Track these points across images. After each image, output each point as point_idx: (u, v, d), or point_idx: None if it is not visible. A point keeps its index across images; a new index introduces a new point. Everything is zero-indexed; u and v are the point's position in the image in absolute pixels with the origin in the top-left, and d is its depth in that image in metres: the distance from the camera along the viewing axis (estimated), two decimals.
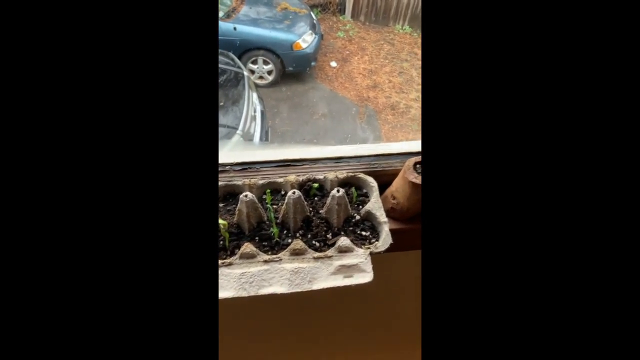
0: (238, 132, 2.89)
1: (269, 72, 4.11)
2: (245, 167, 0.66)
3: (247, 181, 0.63)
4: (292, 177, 0.64)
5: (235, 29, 3.98)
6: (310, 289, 0.53)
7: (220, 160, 0.67)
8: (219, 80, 3.26)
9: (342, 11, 5.22)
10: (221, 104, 3.14)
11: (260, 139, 3.14)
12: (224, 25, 3.98)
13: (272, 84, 4.16)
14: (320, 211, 0.62)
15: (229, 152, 0.67)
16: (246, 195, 0.56)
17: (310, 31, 4.21)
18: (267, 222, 0.60)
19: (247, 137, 2.96)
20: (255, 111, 3.19)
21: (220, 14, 4.12)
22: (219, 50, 3.54)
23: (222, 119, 3.05)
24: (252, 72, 4.05)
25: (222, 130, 2.94)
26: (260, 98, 3.40)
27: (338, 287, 0.80)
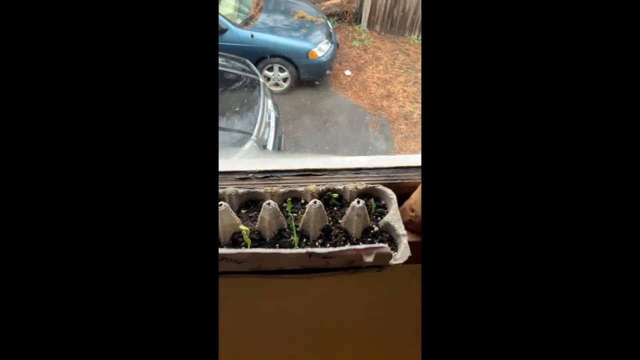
0: (252, 137, 2.93)
1: (284, 80, 4.17)
2: (267, 175, 0.68)
3: (268, 189, 0.65)
4: (312, 187, 0.66)
5: (252, 36, 4.05)
6: (326, 265, 0.53)
7: (243, 168, 0.68)
8: (235, 86, 3.32)
9: (358, 21, 5.27)
10: (236, 109, 3.19)
11: (274, 145, 3.17)
12: (241, 32, 4.06)
13: (287, 91, 4.21)
14: (340, 221, 0.63)
15: (251, 160, 0.69)
16: (269, 203, 0.58)
17: (326, 40, 4.26)
18: (288, 230, 0.61)
19: (261, 143, 3.00)
20: (269, 117, 3.23)
21: (239, 21, 4.20)
22: (236, 57, 3.61)
23: (237, 125, 3.10)
24: (268, 79, 4.10)
25: (236, 136, 2.98)
26: (275, 105, 3.44)
27: (347, 297, 0.80)
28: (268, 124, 3.19)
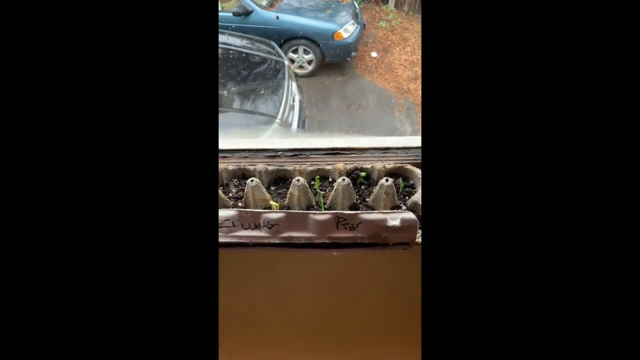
0: (277, 120, 2.95)
1: (309, 62, 4.12)
2: (296, 153, 0.69)
3: (297, 167, 0.66)
4: (340, 165, 0.66)
5: (277, 17, 4.02)
6: (354, 238, 0.55)
7: (272, 146, 0.70)
8: (260, 69, 3.33)
9: (385, 0, 5.11)
10: (261, 92, 3.21)
11: (297, 127, 3.17)
12: (266, 14, 4.03)
13: (312, 74, 4.18)
14: (367, 199, 0.63)
15: (280, 139, 0.70)
16: (298, 180, 0.59)
17: (352, 21, 4.16)
18: (316, 207, 0.63)
19: (285, 126, 3.01)
20: (293, 100, 3.23)
21: (264, 2, 4.17)
22: (261, 39, 3.60)
23: (262, 108, 3.12)
24: (292, 61, 4.07)
25: (261, 119, 3.01)
26: (300, 87, 3.42)
27: (374, 275, 0.81)
28: (292, 107, 3.19)
